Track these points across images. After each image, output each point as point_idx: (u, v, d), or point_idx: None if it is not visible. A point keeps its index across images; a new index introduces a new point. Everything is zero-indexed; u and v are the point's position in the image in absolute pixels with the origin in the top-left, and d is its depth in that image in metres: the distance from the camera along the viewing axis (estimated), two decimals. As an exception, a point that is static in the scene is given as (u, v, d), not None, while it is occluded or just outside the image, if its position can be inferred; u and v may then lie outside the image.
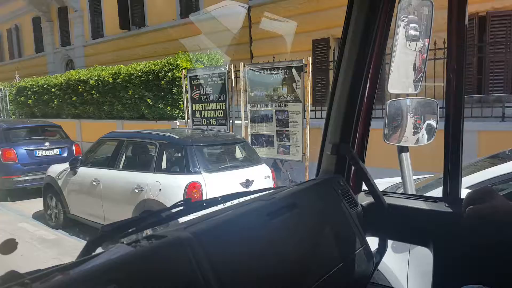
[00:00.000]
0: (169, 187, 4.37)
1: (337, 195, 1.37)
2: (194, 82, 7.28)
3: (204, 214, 1.07)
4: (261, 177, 4.96)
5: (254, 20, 10.10)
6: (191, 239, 0.86)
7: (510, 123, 5.42)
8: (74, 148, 8.39)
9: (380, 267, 2.56)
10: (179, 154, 4.55)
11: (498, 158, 2.94)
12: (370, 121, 1.54)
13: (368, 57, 1.41)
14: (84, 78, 10.63)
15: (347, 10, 1.40)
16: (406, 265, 2.48)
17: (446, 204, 1.35)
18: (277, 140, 6.26)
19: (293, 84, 5.94)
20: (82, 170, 5.47)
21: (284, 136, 6.17)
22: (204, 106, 7.22)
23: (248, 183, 4.68)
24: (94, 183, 5.14)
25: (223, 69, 6.95)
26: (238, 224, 1.02)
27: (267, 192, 1.28)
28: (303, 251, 1.11)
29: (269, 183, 5.05)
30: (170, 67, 8.35)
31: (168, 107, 8.67)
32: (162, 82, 8.49)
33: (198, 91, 7.24)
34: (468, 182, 2.71)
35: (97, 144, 5.64)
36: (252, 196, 1.25)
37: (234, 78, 6.89)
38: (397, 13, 1.61)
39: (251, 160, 5.13)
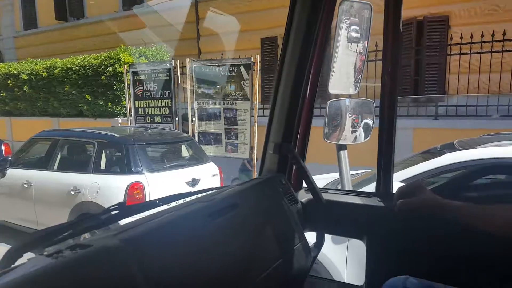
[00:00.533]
0: (108, 188, 4.18)
1: (279, 193, 1.38)
2: (137, 77, 7.00)
3: (140, 218, 1.01)
4: (208, 175, 4.90)
5: (202, 15, 9.94)
6: (121, 247, 0.79)
7: (442, 121, 5.83)
8: (3, 148, 7.74)
9: (320, 258, 2.65)
10: (120, 154, 4.36)
11: (430, 154, 3.12)
12: (311, 120, 1.55)
13: (310, 57, 1.42)
14: (15, 72, 9.83)
15: (289, 11, 1.40)
16: (345, 256, 2.57)
17: (379, 199, 1.42)
18: (225, 138, 6.22)
19: (242, 82, 5.92)
20: (11, 172, 5.05)
21: (232, 134, 6.14)
22: (148, 103, 6.97)
23: (194, 182, 4.60)
24: (26, 185, 4.77)
25: (168, 64, 6.76)
26: (177, 227, 0.98)
27: (209, 192, 1.26)
28: (244, 250, 1.10)
29: (216, 181, 5.00)
30: (111, 61, 7.97)
31: (109, 103, 8.28)
32: (102, 77, 8.09)
33: (142, 87, 6.98)
34: (402, 176, 2.86)
35: (29, 144, 5.23)
36: (194, 197, 1.21)
37: (180, 74, 6.72)
38: (338, 15, 1.64)
39: (198, 158, 5.05)
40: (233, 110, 6.08)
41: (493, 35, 5.29)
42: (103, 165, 4.43)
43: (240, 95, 5.96)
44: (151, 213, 1.04)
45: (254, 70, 5.87)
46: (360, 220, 1.42)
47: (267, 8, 8.86)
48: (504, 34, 5.22)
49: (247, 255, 1.11)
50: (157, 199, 1.11)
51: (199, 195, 1.23)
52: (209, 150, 6.20)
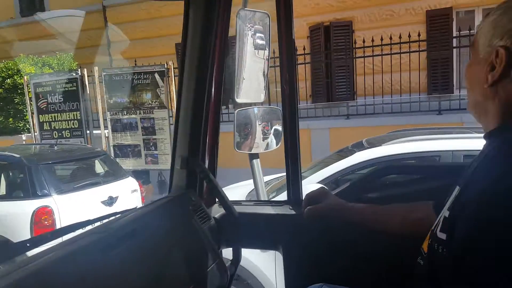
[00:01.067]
0: (11, 215, 3.75)
1: (188, 212, 1.31)
2: (39, 89, 6.38)
3: (20, 260, 0.86)
4: (126, 192, 4.62)
5: (111, 21, 9.42)
6: None
7: (353, 120, 6.21)
8: None
9: (249, 267, 2.62)
10: (22, 176, 3.92)
11: (342, 153, 3.27)
12: (219, 131, 1.52)
13: (209, 68, 1.38)
14: None
15: (183, 23, 1.35)
16: (273, 263, 2.57)
17: (290, 207, 1.42)
18: (144, 150, 5.93)
19: (157, 90, 5.71)
20: None
21: (151, 144, 5.88)
22: (54, 116, 6.39)
23: (111, 200, 4.31)
24: None
25: (74, 74, 6.27)
26: (63, 269, 0.85)
27: (106, 221, 1.14)
28: (147, 281, 1.01)
29: (136, 197, 4.74)
30: (10, 72, 7.20)
31: (10, 119, 7.47)
32: (0, 90, 7.26)
33: (46, 100, 6.37)
34: (318, 178, 2.96)
35: None
36: (89, 227, 1.09)
37: (89, 83, 6.27)
38: (237, 23, 1.62)
39: (114, 174, 4.73)
40: (150, 119, 5.83)
41: (390, 38, 5.77)
42: (2, 190, 3.96)
43: (157, 103, 5.74)
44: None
45: (169, 76, 5.69)
46: (274, 230, 1.41)
47: (179, 13, 8.66)
48: (400, 37, 5.73)
49: (151, 285, 1.02)
50: (48, 233, 1.02)
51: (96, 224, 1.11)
52: (127, 163, 5.87)
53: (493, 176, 0.64)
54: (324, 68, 7.29)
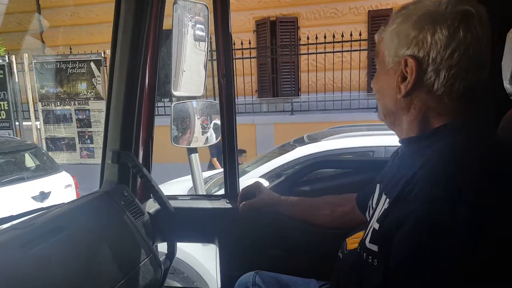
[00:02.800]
0: None
1: (119, 207, 1.28)
2: (-41, 76, 5.78)
3: None
4: (60, 187, 4.36)
5: (44, 4, 8.76)
6: None
7: (297, 116, 6.35)
8: None
9: (188, 260, 2.60)
10: None
11: (284, 148, 3.33)
12: (153, 124, 1.47)
13: (142, 59, 1.33)
14: None
15: (115, 11, 1.29)
16: (214, 255, 2.56)
17: (227, 201, 1.44)
18: (79, 143, 5.60)
19: (93, 80, 5.40)
20: None
21: (87, 137, 5.57)
22: (-22, 106, 5.83)
23: (43, 195, 4.04)
24: None
25: (1, 60, 5.75)
26: None
27: (29, 217, 1.07)
28: (72, 278, 0.98)
29: (71, 192, 4.48)
30: None
31: None
32: None
33: (-33, 88, 5.80)
34: (261, 172, 2.99)
35: None
36: (7, 225, 1.02)
37: (18, 71, 5.79)
38: (174, 14, 1.57)
39: (46, 168, 4.44)
40: (85, 111, 5.51)
41: (333, 36, 5.95)
42: None
43: (93, 94, 5.44)
44: None
45: (106, 66, 5.42)
46: (210, 224, 1.42)
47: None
48: (342, 36, 5.93)
49: (74, 285, 0.98)
50: None
51: (18, 221, 1.04)
52: (61, 157, 5.52)
53: (426, 198, 0.62)
54: (270, 63, 7.36)
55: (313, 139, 3.29)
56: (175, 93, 1.62)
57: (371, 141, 3.03)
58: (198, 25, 1.80)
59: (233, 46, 5.64)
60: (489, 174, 0.61)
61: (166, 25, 1.55)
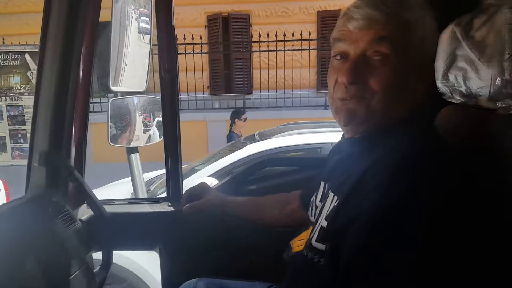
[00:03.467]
0: None
1: (47, 215, 1.17)
2: None
3: None
4: (-13, 191, 4.05)
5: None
6: None
7: (250, 113, 6.33)
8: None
9: (131, 267, 2.50)
10: None
11: (235, 146, 3.31)
12: (87, 122, 1.37)
13: (75, 51, 1.24)
14: None
15: (45, 5, 1.19)
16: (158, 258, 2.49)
17: (169, 204, 1.37)
18: (11, 142, 5.21)
19: (28, 73, 5.02)
20: None
21: (20, 136, 5.18)
22: None
23: (-33, 200, 3.72)
24: None
25: None
26: None
27: None
28: None
29: (0, 198, 4.18)
30: None
31: None
32: None
33: None
34: (210, 171, 2.95)
35: None
36: None
37: None
38: (113, 4, 1.49)
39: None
40: (18, 107, 5.12)
41: (284, 35, 6.02)
42: None
43: (27, 88, 5.05)
44: None
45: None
46: (151, 229, 1.34)
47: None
48: (293, 34, 6.01)
49: None
50: None
51: None
52: (-9, 158, 5.13)
53: (379, 196, 0.61)
54: (223, 59, 7.30)
55: (264, 136, 3.30)
56: (114, 88, 1.54)
57: (318, 138, 3.09)
58: (142, 17, 1.73)
59: (184, 40, 5.54)
60: (441, 171, 0.62)
61: (105, 17, 1.47)
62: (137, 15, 1.70)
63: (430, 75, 0.75)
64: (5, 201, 4.15)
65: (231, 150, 3.12)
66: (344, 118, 0.74)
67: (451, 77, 0.79)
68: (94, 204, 1.27)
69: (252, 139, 3.29)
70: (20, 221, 1.10)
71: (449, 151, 0.68)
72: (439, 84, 0.83)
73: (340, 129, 0.82)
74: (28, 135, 5.17)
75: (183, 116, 6.56)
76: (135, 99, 1.67)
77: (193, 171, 3.17)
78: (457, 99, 0.81)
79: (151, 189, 3.47)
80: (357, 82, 0.70)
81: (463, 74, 0.76)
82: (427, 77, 0.74)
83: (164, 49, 1.29)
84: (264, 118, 6.03)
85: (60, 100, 1.25)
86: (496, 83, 0.62)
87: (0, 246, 0.98)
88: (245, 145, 3.07)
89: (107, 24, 1.52)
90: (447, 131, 0.81)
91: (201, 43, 6.27)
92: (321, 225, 0.72)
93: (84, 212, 1.34)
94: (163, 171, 3.85)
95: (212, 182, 2.80)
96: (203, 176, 2.93)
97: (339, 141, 0.91)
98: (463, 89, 0.77)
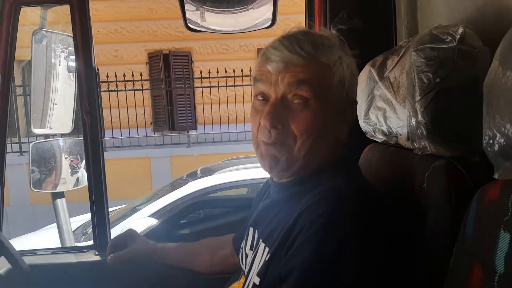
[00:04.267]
0: None
1: None
2: None
3: None
4: None
5: None
6: None
7: (194, 148, 6.27)
8: None
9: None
10: None
11: (177, 183, 3.21)
12: (4, 169, 1.26)
13: None
14: None
15: None
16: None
17: (96, 252, 1.28)
18: None
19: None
20: None
21: None
22: None
23: None
24: None
25: None
26: None
27: None
28: None
29: None
30: None
31: None
32: None
33: None
34: (151, 210, 2.82)
35: None
36: None
37: None
38: (32, 44, 1.43)
39: None
40: None
41: (225, 71, 6.13)
42: None
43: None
44: None
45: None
46: (76, 282, 1.24)
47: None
48: (234, 71, 6.13)
49: None
50: None
51: None
52: None
53: (310, 249, 0.60)
54: (165, 95, 7.22)
55: (207, 172, 3.24)
56: (36, 131, 1.44)
57: (264, 173, 3.10)
58: (72, 56, 1.67)
59: (124, 77, 5.43)
60: (371, 218, 0.61)
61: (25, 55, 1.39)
62: (66, 54, 1.65)
63: (352, 116, 0.75)
64: None
65: (173, 188, 3.02)
66: (268, 164, 0.72)
67: (373, 116, 0.82)
68: (12, 256, 1.16)
69: (194, 176, 3.21)
70: None
71: (376, 196, 0.68)
72: (362, 123, 0.86)
73: None
74: None
75: (126, 153, 6.31)
76: (61, 141, 1.57)
77: (134, 210, 3.01)
78: (380, 137, 0.83)
79: (88, 232, 3.23)
80: (278, 127, 0.68)
81: (383, 113, 0.79)
82: (349, 119, 0.73)
83: (84, 89, 1.25)
84: (209, 152, 5.98)
85: None
86: (412, 123, 0.65)
87: None
88: (187, 182, 2.99)
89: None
90: (369, 169, 0.83)
91: (141, 80, 6.18)
92: (253, 282, 0.69)
93: (1, 266, 1.21)
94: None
95: (152, 223, 2.68)
96: (143, 216, 2.79)
97: (266, 183, 0.89)
98: (384, 128, 0.80)
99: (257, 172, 3.15)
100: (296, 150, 0.69)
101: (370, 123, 0.82)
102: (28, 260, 1.21)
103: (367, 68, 0.83)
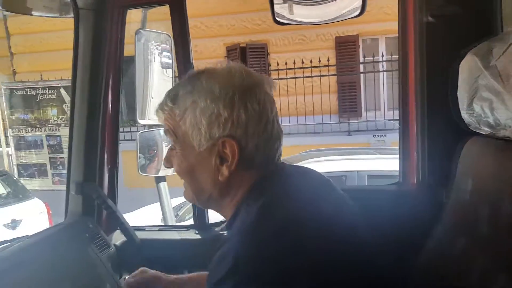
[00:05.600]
0: None
1: (84, 240, 1.25)
2: None
3: None
4: (32, 214, 4.28)
5: (14, 31, 8.60)
6: None
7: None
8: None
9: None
10: None
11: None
12: (118, 153, 1.46)
13: (103, 88, 1.33)
14: None
15: (74, 40, 1.30)
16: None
17: (196, 231, 1.41)
18: (51, 169, 5.45)
19: (63, 106, 5.33)
20: None
21: (58, 164, 5.43)
22: None
23: (14, 223, 3.96)
24: None
25: (-30, 87, 5.59)
26: None
27: None
28: None
29: (44, 219, 4.37)
30: None
31: None
32: None
33: None
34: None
35: None
36: None
37: (-12, 98, 5.64)
38: (135, 42, 1.59)
39: (18, 195, 4.34)
40: (56, 137, 5.41)
41: (302, 62, 6.12)
42: None
43: (63, 120, 5.35)
44: None
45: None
46: (179, 255, 1.38)
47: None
48: (311, 61, 6.10)
49: None
50: None
51: None
52: (33, 184, 5.38)
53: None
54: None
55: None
56: (141, 121, 1.61)
57: (344, 165, 3.06)
58: (164, 53, 1.82)
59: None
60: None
61: (129, 52, 1.56)
62: (159, 51, 1.80)
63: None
64: (47, 222, 4.34)
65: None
66: None
67: (477, 107, 0.79)
68: (127, 230, 1.33)
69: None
70: (60, 246, 1.18)
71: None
72: (465, 114, 0.83)
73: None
74: (66, 163, 5.39)
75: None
76: (161, 131, 1.73)
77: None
78: (485, 130, 0.80)
79: (179, 214, 3.52)
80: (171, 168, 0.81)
81: (489, 104, 0.76)
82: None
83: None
84: (287, 145, 6.02)
85: (91, 132, 1.34)
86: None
87: (41, 269, 1.05)
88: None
89: (133, 59, 1.61)
90: (472, 163, 0.80)
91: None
92: None
93: (117, 238, 1.41)
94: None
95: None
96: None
97: None
98: (491, 119, 0.76)
99: (338, 165, 3.13)
100: (186, 187, 0.81)
101: (474, 114, 0.80)
102: (138, 234, 1.38)
103: (469, 57, 0.80)
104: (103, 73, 1.32)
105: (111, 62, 1.34)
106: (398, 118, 1.28)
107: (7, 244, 1.09)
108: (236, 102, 0.69)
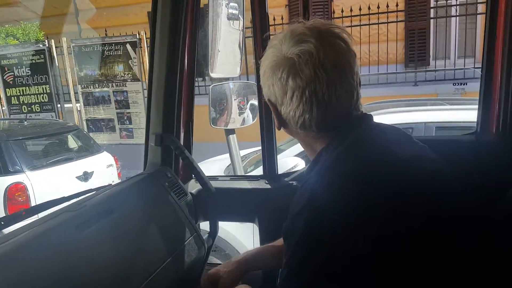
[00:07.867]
0: (-18, 193, 3.62)
1: (164, 188, 1.33)
2: (4, 62, 6.05)
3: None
4: (102, 167, 4.57)
5: (79, -12, 8.92)
6: None
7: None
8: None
9: (228, 238, 2.67)
10: (-9, 152, 3.79)
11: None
12: (193, 106, 1.50)
13: (181, 41, 1.35)
14: None
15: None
16: (251, 233, 2.62)
17: (266, 181, 1.45)
18: (118, 124, 5.79)
19: (130, 62, 5.51)
20: None
21: (125, 119, 5.74)
22: (22, 90, 6.10)
23: (86, 175, 4.25)
24: None
25: (41, 45, 5.96)
26: (36, 248, 0.86)
27: (81, 198, 1.14)
28: (123, 257, 1.03)
29: (112, 172, 4.69)
30: (-29, 43, 6.78)
31: (-26, 93, 7.09)
32: (-38, 62, 6.84)
33: (12, 73, 6.07)
34: (295, 151, 2.98)
35: None
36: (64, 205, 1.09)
37: (58, 55, 5.99)
38: None
39: (88, 149, 4.66)
40: (123, 92, 5.66)
41: (369, 8, 5.71)
42: (-29, 167, 3.82)
43: (130, 75, 5.57)
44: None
45: (142, 47, 5.49)
46: (250, 203, 1.45)
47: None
48: (378, 7, 5.68)
49: (127, 261, 1.03)
50: (22, 211, 1.04)
51: (71, 201, 1.11)
52: (101, 138, 5.76)
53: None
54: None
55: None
56: (212, 74, 1.63)
57: (410, 117, 2.92)
58: (231, 4, 1.78)
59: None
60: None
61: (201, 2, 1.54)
62: (226, 2, 1.76)
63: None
64: (116, 174, 4.70)
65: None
66: None
67: None
68: (202, 179, 1.39)
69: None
70: (143, 194, 1.26)
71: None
72: None
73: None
74: (132, 118, 5.70)
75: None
76: (231, 84, 1.75)
77: (278, 151, 3.22)
78: None
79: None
80: None
81: None
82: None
83: (258, 34, 1.34)
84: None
85: (170, 87, 1.37)
86: None
87: (128, 214, 1.14)
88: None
89: (203, 11, 1.59)
90: None
91: (282, 24, 6.24)
92: None
93: (193, 187, 1.49)
94: (250, 150, 3.97)
95: (297, 161, 2.83)
96: (288, 156, 2.97)
97: None
98: None
99: (405, 116, 2.99)
100: None
101: None
102: (212, 183, 1.44)
103: None
104: (181, 28, 1.32)
105: (189, 15, 1.34)
106: (468, 67, 1.20)
107: (93, 192, 1.17)
108: (271, 72, 0.80)
